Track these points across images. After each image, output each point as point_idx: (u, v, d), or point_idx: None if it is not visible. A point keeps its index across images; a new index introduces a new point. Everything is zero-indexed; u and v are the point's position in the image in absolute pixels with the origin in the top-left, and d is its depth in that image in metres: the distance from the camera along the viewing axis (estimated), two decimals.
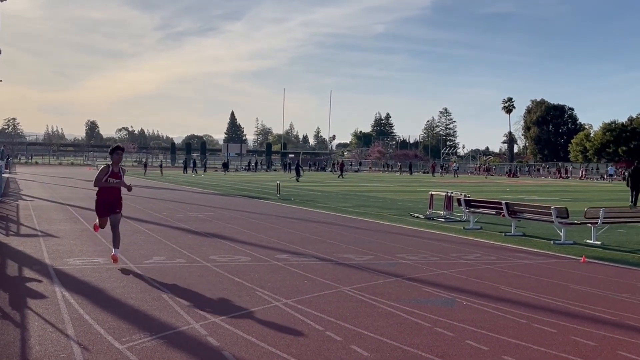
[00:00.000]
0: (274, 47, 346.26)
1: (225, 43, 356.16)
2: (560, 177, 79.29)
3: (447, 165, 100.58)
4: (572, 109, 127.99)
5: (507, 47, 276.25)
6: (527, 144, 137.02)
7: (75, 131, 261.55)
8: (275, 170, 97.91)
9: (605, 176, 74.84)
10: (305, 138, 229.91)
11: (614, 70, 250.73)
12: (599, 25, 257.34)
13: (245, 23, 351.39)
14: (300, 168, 54.85)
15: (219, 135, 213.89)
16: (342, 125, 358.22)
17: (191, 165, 71.87)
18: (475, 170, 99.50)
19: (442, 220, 18.18)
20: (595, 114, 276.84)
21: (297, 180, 48.93)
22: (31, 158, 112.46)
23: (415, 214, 19.87)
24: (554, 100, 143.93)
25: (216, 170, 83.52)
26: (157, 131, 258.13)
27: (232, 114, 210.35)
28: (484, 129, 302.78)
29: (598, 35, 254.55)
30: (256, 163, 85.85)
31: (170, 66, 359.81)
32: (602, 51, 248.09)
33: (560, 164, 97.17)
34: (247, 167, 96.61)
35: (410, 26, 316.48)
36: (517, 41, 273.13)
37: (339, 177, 59.42)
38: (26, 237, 12.99)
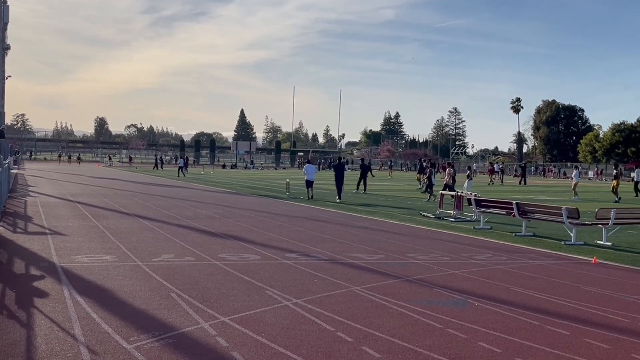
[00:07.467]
0: (273, 35, 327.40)
1: (219, 30, 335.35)
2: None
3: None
4: (582, 110, 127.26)
5: (522, 36, 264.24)
6: (536, 144, 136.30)
7: (84, 127, 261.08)
8: (285, 168, 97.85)
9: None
10: (315, 136, 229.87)
11: (627, 66, 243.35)
12: (618, 11, 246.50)
13: (238, 6, 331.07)
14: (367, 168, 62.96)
15: (228, 132, 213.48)
16: (351, 123, 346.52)
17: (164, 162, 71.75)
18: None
19: (452, 220, 18.09)
20: (604, 114, 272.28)
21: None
22: (33, 154, 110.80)
23: (425, 214, 19.79)
24: (563, 98, 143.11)
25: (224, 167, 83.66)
26: (166, 128, 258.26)
27: (242, 112, 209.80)
28: (493, 127, 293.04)
29: (615, 22, 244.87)
30: (186, 159, 59.17)
31: (164, 57, 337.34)
32: (619, 42, 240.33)
33: (569, 164, 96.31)
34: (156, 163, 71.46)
35: (421, 11, 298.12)
36: (532, 29, 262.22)
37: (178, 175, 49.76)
38: (33, 234, 12.98)
